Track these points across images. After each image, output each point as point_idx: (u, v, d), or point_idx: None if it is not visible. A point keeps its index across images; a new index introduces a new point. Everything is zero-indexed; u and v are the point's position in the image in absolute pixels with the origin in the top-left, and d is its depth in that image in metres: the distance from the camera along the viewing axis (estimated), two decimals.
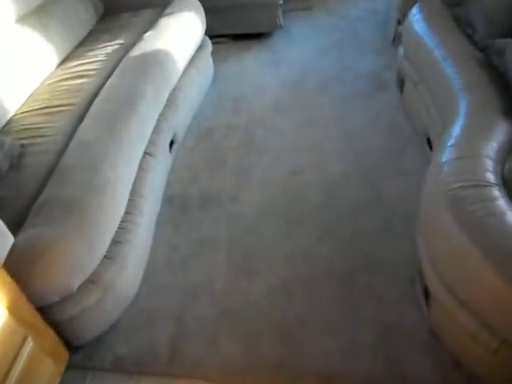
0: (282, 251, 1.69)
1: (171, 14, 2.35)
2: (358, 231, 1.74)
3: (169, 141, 2.01)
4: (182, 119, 2.19)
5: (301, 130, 2.28)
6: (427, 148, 1.97)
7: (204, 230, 1.81)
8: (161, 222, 1.83)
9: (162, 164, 1.89)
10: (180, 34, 2.25)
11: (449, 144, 1.35)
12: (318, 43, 3.03)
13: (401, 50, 2.34)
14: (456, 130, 1.43)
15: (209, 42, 2.65)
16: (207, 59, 2.61)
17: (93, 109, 1.66)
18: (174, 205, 1.92)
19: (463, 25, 2.01)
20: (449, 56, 1.80)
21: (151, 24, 2.30)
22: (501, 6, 1.83)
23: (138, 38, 2.17)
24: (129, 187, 1.52)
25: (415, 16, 2.18)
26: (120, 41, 2.20)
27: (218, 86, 2.69)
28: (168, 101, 2.03)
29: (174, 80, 2.11)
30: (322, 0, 3.62)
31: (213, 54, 2.69)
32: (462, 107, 1.55)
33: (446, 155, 1.31)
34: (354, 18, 3.29)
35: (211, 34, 2.95)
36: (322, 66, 2.79)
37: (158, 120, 1.90)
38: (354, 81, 2.61)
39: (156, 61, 1.97)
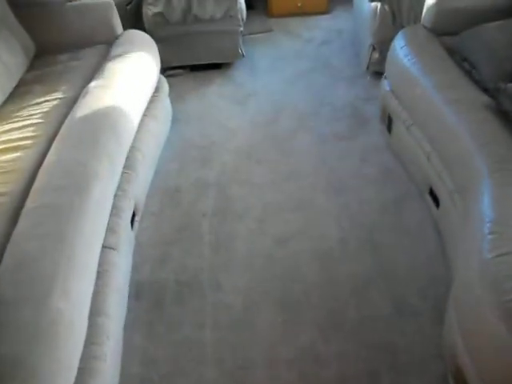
0: (282, 355, 1.39)
1: (119, 55, 1.98)
2: (366, 316, 1.48)
3: (130, 217, 1.66)
4: (142, 183, 1.84)
5: (282, 183, 2.00)
6: (429, 199, 1.75)
7: (185, 330, 1.48)
8: (129, 326, 1.47)
9: (125, 253, 1.53)
10: (132, 81, 1.90)
11: (487, 231, 1.11)
12: (284, 72, 2.76)
13: (385, 84, 2.12)
14: (486, 204, 1.20)
15: (165, 82, 2.30)
16: (164, 102, 2.26)
17: (30, 202, 1.28)
18: (144, 299, 1.57)
19: (458, 59, 1.81)
20: (452, 101, 1.59)
21: (96, 69, 1.93)
22: (506, 40, 1.63)
23: (81, 89, 1.80)
24: (87, 310, 1.17)
25: (402, 47, 1.96)
26: (59, 94, 1.81)
27: (178, 130, 2.35)
28: (125, 168, 1.68)
29: (129, 141, 1.76)
30: (282, 21, 3.37)
31: (169, 89, 2.35)
32: (483, 168, 1.33)
33: (491, 249, 1.07)
34: (319, 42, 3.06)
35: (166, 65, 2.63)
36: (293, 99, 2.52)
37: (116, 197, 1.55)
38: (331, 117, 2.37)
39: (108, 123, 1.61)
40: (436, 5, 1.97)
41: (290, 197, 1.93)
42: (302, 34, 3.19)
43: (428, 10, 2.04)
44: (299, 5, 3.36)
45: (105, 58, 1.99)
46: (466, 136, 1.44)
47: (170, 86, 2.36)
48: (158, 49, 2.26)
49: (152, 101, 2.10)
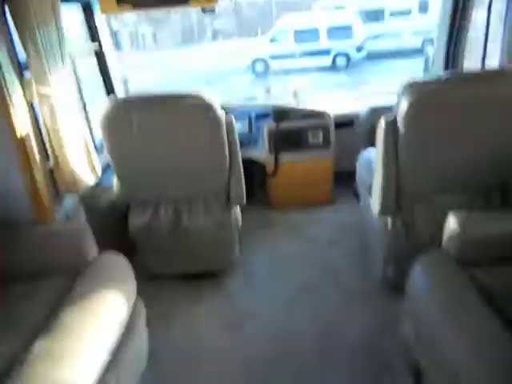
0: None
1: (80, 295, 1.62)
2: None
3: None
4: None
5: None
6: None
7: None
8: None
9: None
10: (91, 331, 1.50)
11: None
12: (286, 285, 2.38)
13: (407, 328, 1.70)
14: None
15: (142, 310, 1.90)
16: (139, 338, 1.83)
17: None
18: None
19: (497, 303, 1.41)
20: None
21: (46, 316, 1.54)
22: None
23: (30, 344, 1.39)
24: None
25: (424, 283, 1.58)
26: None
27: (157, 374, 1.88)
28: None
29: None
30: (284, 212, 3.16)
31: (151, 307, 1.94)
32: None
33: None
34: (324, 243, 2.76)
35: (153, 274, 2.35)
36: (296, 328, 2.08)
37: None
38: (345, 362, 1.88)
39: None
40: (462, 233, 1.66)
41: None
42: (305, 231, 2.92)
43: (451, 236, 1.73)
44: (302, 195, 3.19)
45: (62, 297, 1.63)
46: None
47: (154, 300, 1.98)
48: (145, 257, 2.01)
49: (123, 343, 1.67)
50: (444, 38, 2.92)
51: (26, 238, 1.89)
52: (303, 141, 3.06)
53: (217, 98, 2.07)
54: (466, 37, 2.82)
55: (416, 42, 13.51)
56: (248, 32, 18.79)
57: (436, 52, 3.06)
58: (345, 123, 3.24)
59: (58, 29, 2.00)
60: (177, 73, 14.51)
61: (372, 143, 3.33)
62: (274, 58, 13.55)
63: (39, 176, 1.95)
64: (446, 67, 2.98)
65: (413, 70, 11.73)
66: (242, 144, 2.38)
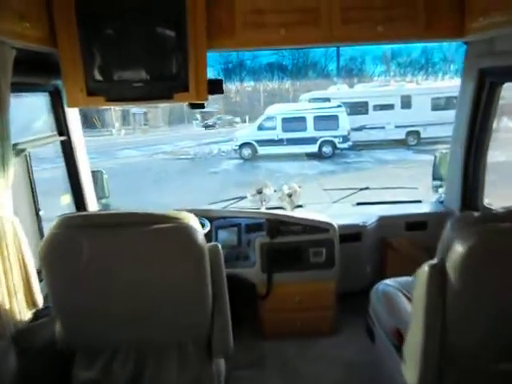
0: None
1: None
2: None
3: None
4: None
5: None
6: None
7: None
8: None
9: None
10: None
11: None
12: None
13: None
14: None
15: None
16: None
17: None
18: None
19: None
20: None
21: None
22: None
23: None
24: None
25: None
26: None
27: None
28: None
29: None
30: (277, 345, 2.56)
31: None
32: None
33: None
34: None
35: None
36: None
37: None
38: None
39: None
40: None
41: None
42: (302, 371, 2.33)
43: None
44: (298, 324, 2.61)
45: None
46: None
47: None
48: None
49: None
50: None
51: None
52: (302, 259, 2.56)
53: (198, 223, 1.58)
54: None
55: (399, 134, 14.01)
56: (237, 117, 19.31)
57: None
58: (351, 236, 2.77)
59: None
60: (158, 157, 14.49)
61: (382, 259, 2.90)
62: (261, 143, 13.63)
63: None
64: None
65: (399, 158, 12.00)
66: (228, 259, 1.98)
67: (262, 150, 13.59)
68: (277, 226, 2.54)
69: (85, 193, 2.59)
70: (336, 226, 2.58)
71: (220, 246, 1.67)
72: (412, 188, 3.48)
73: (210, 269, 1.61)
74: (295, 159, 12.85)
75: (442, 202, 2.95)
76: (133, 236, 1.53)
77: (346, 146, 13.56)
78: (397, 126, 14.00)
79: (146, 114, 21.18)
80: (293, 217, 2.64)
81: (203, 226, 2.27)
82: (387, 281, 2.11)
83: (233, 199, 3.06)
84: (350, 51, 21.96)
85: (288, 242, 2.56)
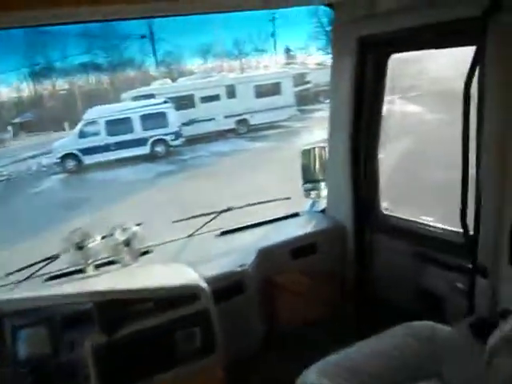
0: None
1: None
2: None
3: None
4: None
5: None
6: None
7: None
8: None
9: None
10: None
11: None
12: None
13: None
14: None
15: None
16: None
17: None
18: None
19: None
20: None
21: None
22: None
23: None
24: None
25: None
26: None
27: None
28: None
29: None
30: None
31: None
32: None
33: None
34: None
35: None
36: None
37: None
38: None
39: None
40: None
41: None
42: None
43: None
44: None
45: None
46: None
47: None
48: None
49: None
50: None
51: None
52: (167, 353, 1.65)
53: None
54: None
55: (229, 123, 14.19)
56: (53, 126, 17.06)
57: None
58: (229, 289, 1.89)
59: None
60: None
61: (271, 305, 2.05)
62: (86, 151, 12.23)
63: None
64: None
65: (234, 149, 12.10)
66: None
67: (89, 159, 12.17)
68: (115, 310, 1.61)
69: None
70: (205, 285, 1.70)
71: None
72: (285, 199, 2.49)
73: None
74: (127, 164, 11.88)
75: (323, 211, 2.34)
76: None
77: (179, 142, 13.08)
78: (226, 116, 14.12)
79: None
80: (137, 290, 1.67)
81: None
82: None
83: (38, 262, 1.88)
84: (166, 46, 21.64)
85: (139, 332, 1.61)
